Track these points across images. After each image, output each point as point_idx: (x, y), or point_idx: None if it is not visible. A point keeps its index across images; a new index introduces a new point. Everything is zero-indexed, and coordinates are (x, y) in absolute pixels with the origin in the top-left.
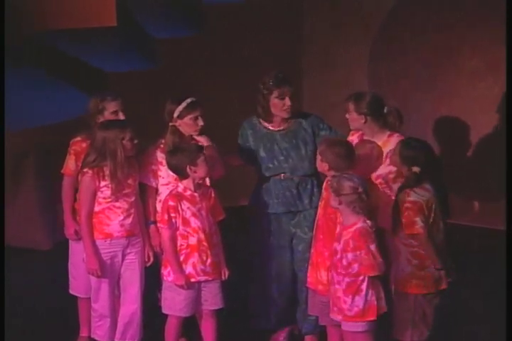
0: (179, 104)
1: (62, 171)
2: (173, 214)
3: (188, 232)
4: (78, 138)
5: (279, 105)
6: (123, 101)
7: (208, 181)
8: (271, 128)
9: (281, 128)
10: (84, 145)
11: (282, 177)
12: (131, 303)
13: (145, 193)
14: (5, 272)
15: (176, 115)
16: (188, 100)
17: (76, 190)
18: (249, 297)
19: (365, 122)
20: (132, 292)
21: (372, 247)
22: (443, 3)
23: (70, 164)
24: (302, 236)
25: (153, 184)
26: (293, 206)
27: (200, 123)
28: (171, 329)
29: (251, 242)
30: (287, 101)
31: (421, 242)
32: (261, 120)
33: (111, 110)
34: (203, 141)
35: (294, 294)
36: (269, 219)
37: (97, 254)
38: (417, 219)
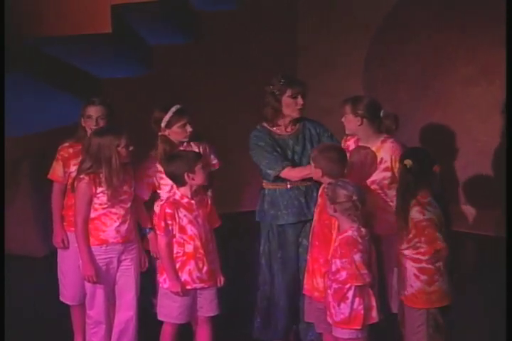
0: (165, 113)
1: (48, 176)
2: (169, 222)
3: (185, 240)
4: (66, 144)
5: (292, 104)
6: (106, 109)
7: (209, 192)
8: (280, 133)
9: (291, 131)
10: (71, 150)
11: (288, 187)
12: (126, 310)
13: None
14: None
15: (163, 125)
16: (173, 109)
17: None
18: (256, 312)
19: (360, 124)
20: (127, 298)
21: (357, 257)
22: (438, 9)
23: (58, 170)
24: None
25: (146, 197)
26: (303, 215)
27: (189, 129)
28: (166, 336)
29: (259, 258)
30: (300, 100)
31: (443, 256)
32: (268, 127)
33: (87, 114)
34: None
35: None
36: (277, 232)
37: (93, 260)
38: (438, 235)
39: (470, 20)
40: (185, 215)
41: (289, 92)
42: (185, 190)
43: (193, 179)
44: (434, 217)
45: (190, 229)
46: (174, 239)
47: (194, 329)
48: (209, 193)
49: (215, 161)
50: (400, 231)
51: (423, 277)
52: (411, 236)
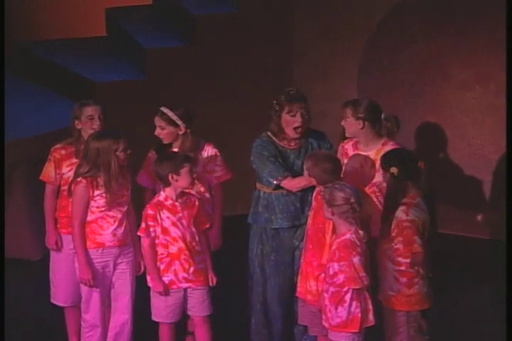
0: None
1: (40, 177)
2: (151, 223)
3: (168, 241)
4: (58, 145)
5: (290, 122)
6: (102, 108)
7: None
8: (283, 145)
9: (294, 146)
10: (63, 152)
11: (285, 193)
12: (121, 313)
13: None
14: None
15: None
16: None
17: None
18: (251, 315)
19: (362, 128)
20: (123, 302)
21: (356, 260)
22: (433, 14)
23: (50, 171)
24: None
25: (144, 184)
26: (297, 220)
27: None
28: (163, 337)
29: (251, 260)
30: (298, 118)
31: (418, 260)
32: (272, 137)
33: (87, 114)
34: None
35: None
36: (271, 236)
37: (90, 264)
38: (416, 238)
39: (465, 25)
40: (168, 217)
41: (286, 109)
42: (169, 192)
43: (176, 180)
44: (418, 219)
45: (174, 231)
46: (158, 241)
47: (192, 331)
48: (207, 195)
49: (220, 173)
50: (382, 235)
51: (403, 280)
52: (393, 234)
